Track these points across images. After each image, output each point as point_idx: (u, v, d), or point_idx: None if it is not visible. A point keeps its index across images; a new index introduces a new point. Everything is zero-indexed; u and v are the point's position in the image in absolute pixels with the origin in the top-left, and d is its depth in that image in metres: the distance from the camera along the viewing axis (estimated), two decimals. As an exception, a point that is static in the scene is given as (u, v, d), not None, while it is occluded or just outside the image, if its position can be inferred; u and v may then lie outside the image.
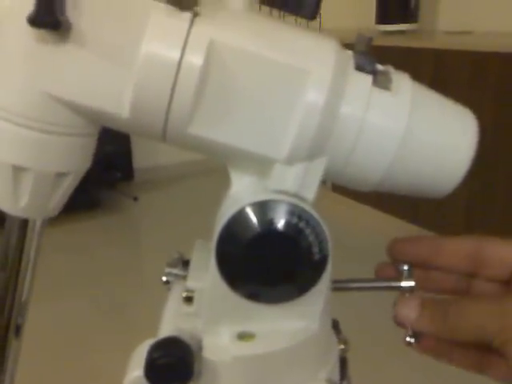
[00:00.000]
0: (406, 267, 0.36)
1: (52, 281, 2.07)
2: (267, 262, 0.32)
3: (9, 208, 0.33)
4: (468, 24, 2.24)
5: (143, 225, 2.76)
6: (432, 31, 2.37)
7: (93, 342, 1.68)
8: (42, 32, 0.28)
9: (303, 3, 0.32)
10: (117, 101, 0.30)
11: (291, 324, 0.35)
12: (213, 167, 3.26)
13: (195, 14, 0.29)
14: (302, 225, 0.32)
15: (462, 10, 2.30)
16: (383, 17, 2.35)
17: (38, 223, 0.35)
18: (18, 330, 0.38)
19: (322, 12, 0.33)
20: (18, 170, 0.31)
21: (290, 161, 0.31)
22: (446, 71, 1.90)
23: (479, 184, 1.83)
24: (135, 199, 2.75)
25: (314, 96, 0.30)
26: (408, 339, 0.34)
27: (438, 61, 1.95)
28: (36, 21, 0.27)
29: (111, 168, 2.52)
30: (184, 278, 0.38)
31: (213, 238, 0.34)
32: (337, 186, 0.35)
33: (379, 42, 2.10)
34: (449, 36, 2.23)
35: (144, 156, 2.93)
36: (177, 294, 0.39)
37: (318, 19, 0.33)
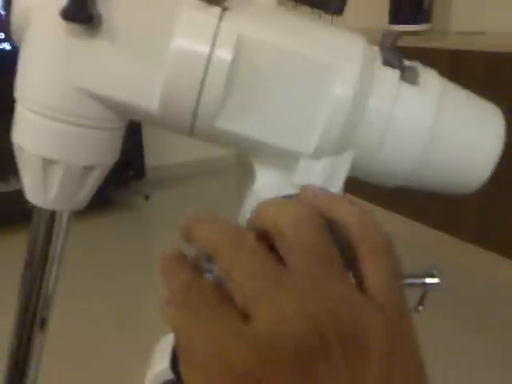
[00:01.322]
0: (435, 270, 0.36)
1: (64, 278, 2.08)
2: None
3: (37, 200, 0.34)
4: (481, 25, 2.22)
5: (154, 223, 2.77)
6: (445, 32, 2.35)
7: (105, 338, 1.69)
8: (74, 26, 0.28)
9: (330, 3, 0.32)
10: (146, 95, 0.30)
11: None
12: (224, 166, 3.27)
13: (224, 9, 0.29)
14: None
15: (475, 10, 2.29)
16: (396, 17, 2.34)
17: (65, 216, 0.36)
18: (43, 323, 0.38)
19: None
20: (47, 163, 0.32)
21: (317, 155, 0.32)
22: (459, 72, 1.89)
23: (492, 185, 1.81)
24: (147, 198, 2.76)
25: (342, 91, 0.30)
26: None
27: (451, 61, 1.94)
28: (69, 14, 0.27)
29: (123, 166, 2.53)
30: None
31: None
32: (346, 187, 0.34)
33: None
34: (462, 36, 2.21)
35: (156, 155, 2.94)
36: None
37: (330, 19, 0.33)
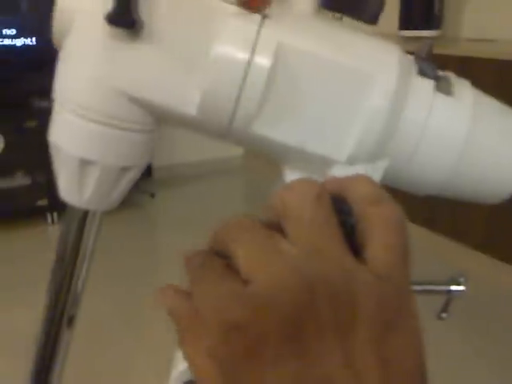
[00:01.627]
0: (461, 278, 0.36)
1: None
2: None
3: (72, 199, 0.34)
4: (491, 32, 2.23)
5: (160, 221, 2.78)
6: (455, 38, 2.36)
7: (112, 337, 1.70)
8: (117, 30, 0.29)
9: (366, 10, 0.32)
10: (185, 99, 0.31)
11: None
12: (231, 167, 3.27)
13: (264, 17, 0.30)
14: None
15: (486, 18, 2.29)
16: (407, 22, 2.35)
17: (98, 216, 0.36)
18: (71, 320, 0.39)
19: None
20: (84, 163, 0.32)
21: (351, 162, 0.32)
22: (469, 78, 1.89)
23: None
24: (152, 196, 2.77)
25: (379, 101, 0.30)
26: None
27: (461, 68, 1.94)
28: (113, 19, 0.28)
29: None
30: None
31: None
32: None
33: (402, 47, 2.08)
34: (472, 43, 2.22)
35: (162, 154, 2.95)
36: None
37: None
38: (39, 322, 0.40)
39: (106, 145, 0.32)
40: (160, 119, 0.33)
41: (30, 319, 2.02)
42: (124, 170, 0.34)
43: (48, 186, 2.48)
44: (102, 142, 0.32)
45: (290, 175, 0.36)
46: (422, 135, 0.31)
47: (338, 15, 0.33)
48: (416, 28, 2.31)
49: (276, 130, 0.32)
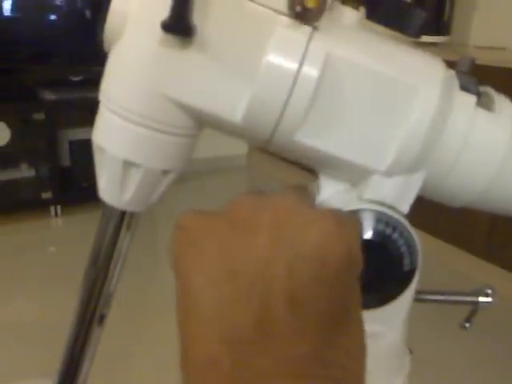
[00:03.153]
0: (489, 290, 0.37)
1: (76, 266, 2.10)
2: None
3: (112, 200, 0.35)
4: (500, 40, 2.24)
5: (163, 219, 2.79)
6: (464, 45, 2.37)
7: (114, 332, 1.70)
8: (168, 37, 0.29)
9: (410, 23, 0.33)
10: (231, 107, 0.31)
11: (371, 328, 0.36)
12: (234, 165, 3.28)
13: (314, 28, 0.30)
14: (395, 236, 0.33)
15: (494, 26, 2.30)
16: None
17: (135, 217, 0.37)
18: (102, 319, 0.40)
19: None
20: (128, 165, 0.33)
21: (390, 173, 0.33)
22: (477, 86, 1.90)
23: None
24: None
25: (422, 114, 0.31)
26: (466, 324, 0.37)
27: (469, 75, 1.95)
28: (170, 27, 0.28)
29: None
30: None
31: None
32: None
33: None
34: (481, 51, 2.23)
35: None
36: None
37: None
38: (71, 321, 0.40)
39: (150, 148, 0.32)
40: (202, 124, 0.34)
41: (32, 311, 2.03)
42: (165, 173, 0.34)
43: (52, 178, 2.49)
44: (146, 145, 0.32)
45: (325, 183, 0.36)
46: (461, 150, 0.32)
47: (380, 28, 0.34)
48: (424, 33, 2.31)
49: (319, 139, 0.32)
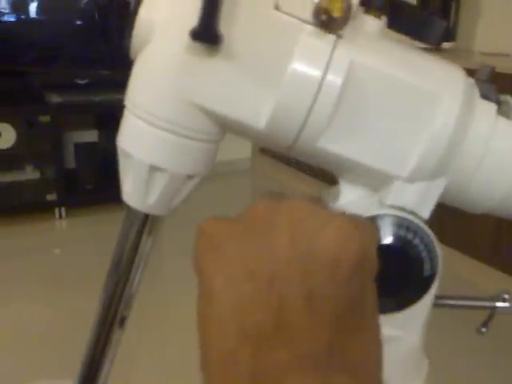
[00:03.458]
0: (506, 295, 0.37)
1: (81, 268, 2.11)
2: (378, 274, 0.34)
3: (136, 203, 0.35)
4: (505, 46, 2.24)
5: (167, 222, 2.80)
6: (469, 51, 2.37)
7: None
8: (196, 44, 0.30)
9: (431, 31, 0.33)
10: (255, 113, 0.32)
11: (390, 331, 0.36)
12: (239, 169, 3.29)
13: (338, 37, 0.31)
14: (416, 241, 0.33)
15: (499, 32, 2.31)
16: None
17: (157, 220, 0.37)
18: (123, 321, 0.40)
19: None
20: (153, 170, 0.33)
21: (412, 180, 0.33)
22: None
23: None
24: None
25: (444, 121, 0.31)
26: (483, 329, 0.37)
27: (474, 80, 1.96)
28: (198, 35, 0.29)
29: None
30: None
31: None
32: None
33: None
34: (485, 57, 2.23)
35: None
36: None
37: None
38: (91, 324, 0.40)
39: (176, 153, 0.33)
40: (226, 130, 0.34)
41: (36, 313, 2.03)
42: (189, 177, 0.35)
43: (57, 181, 2.50)
44: (172, 150, 0.33)
45: (345, 188, 0.37)
46: (483, 157, 0.32)
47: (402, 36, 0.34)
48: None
49: (342, 146, 0.33)
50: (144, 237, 0.38)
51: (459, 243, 2.07)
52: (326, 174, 0.30)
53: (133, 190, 0.35)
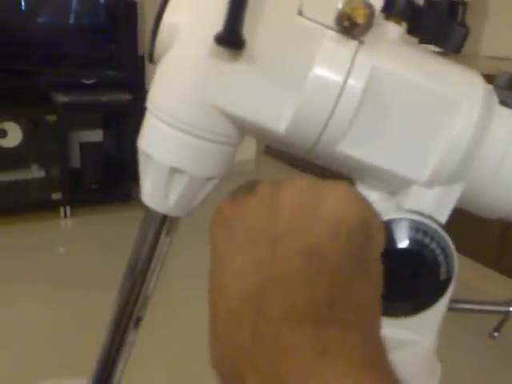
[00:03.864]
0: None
1: (85, 268, 2.11)
2: (395, 278, 0.34)
3: (155, 205, 0.36)
4: (511, 51, 2.24)
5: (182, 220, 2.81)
6: (475, 55, 2.37)
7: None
8: (220, 49, 0.30)
9: (452, 38, 0.34)
10: (276, 117, 0.32)
11: (406, 335, 0.37)
12: (243, 170, 3.29)
13: (360, 42, 0.31)
14: (433, 245, 0.34)
15: (505, 36, 2.31)
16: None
17: (175, 222, 0.38)
18: (138, 321, 0.40)
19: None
20: (174, 172, 0.34)
21: (430, 184, 0.33)
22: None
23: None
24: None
25: (463, 127, 0.32)
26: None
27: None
28: (223, 39, 0.29)
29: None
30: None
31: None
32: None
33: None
34: (492, 61, 2.23)
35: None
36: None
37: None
38: (108, 323, 0.41)
39: (197, 156, 0.33)
40: (246, 133, 0.35)
41: (41, 312, 2.04)
42: (208, 179, 0.35)
43: (62, 180, 2.51)
44: (193, 153, 0.33)
45: (364, 192, 0.37)
46: (501, 163, 0.33)
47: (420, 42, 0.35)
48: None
49: (361, 150, 0.33)
50: (162, 238, 0.38)
51: (463, 247, 2.07)
52: (331, 176, 0.31)
53: (152, 191, 0.35)
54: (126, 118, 2.55)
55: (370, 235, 0.27)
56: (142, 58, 2.62)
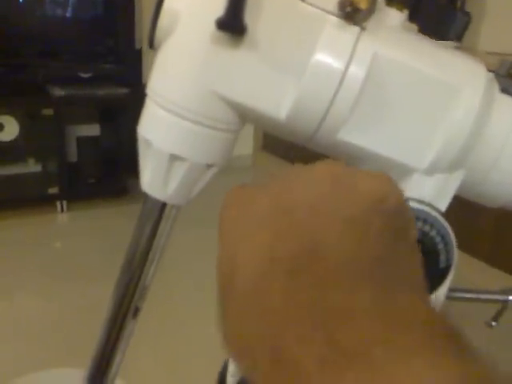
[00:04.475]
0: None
1: (81, 262, 2.11)
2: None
3: (155, 192, 0.36)
4: (509, 46, 2.25)
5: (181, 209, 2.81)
6: (473, 50, 2.37)
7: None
8: (221, 34, 0.30)
9: (452, 26, 0.34)
10: (277, 104, 0.32)
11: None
12: (240, 165, 3.28)
13: (362, 29, 0.31)
14: (433, 233, 0.34)
15: (504, 32, 2.31)
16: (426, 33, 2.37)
17: (174, 210, 0.38)
18: (136, 312, 0.40)
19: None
20: (174, 159, 0.34)
21: (430, 172, 0.33)
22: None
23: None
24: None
25: (464, 114, 0.32)
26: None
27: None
28: (224, 24, 0.29)
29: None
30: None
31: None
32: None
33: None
34: (490, 56, 2.24)
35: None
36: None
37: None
38: (105, 311, 0.41)
39: (196, 142, 0.33)
40: (246, 120, 0.34)
41: (37, 306, 2.03)
42: (208, 166, 0.35)
43: (59, 174, 2.50)
44: (193, 139, 0.33)
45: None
46: (501, 150, 0.33)
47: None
48: (435, 39, 2.32)
49: (362, 137, 0.33)
50: (161, 227, 0.38)
51: (458, 241, 2.07)
52: None
53: (152, 179, 0.35)
54: (124, 112, 2.54)
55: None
56: (140, 51, 2.61)
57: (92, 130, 2.68)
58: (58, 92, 2.44)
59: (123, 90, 2.53)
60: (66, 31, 2.57)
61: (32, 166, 2.59)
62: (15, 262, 2.10)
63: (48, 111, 2.38)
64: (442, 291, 0.36)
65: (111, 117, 2.70)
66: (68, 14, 2.58)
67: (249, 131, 3.04)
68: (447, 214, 0.34)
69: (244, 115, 0.34)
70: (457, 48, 0.34)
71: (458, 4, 2.26)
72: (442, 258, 0.34)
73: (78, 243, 2.31)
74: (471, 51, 2.36)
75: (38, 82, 2.45)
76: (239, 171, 3.48)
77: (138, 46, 2.65)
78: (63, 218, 2.53)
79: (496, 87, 0.33)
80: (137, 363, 1.60)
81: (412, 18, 0.34)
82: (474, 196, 0.36)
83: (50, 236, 2.38)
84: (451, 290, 0.40)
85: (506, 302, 0.39)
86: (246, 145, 3.31)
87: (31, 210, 2.45)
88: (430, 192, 0.34)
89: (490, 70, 0.35)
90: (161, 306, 1.83)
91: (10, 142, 2.38)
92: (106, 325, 0.41)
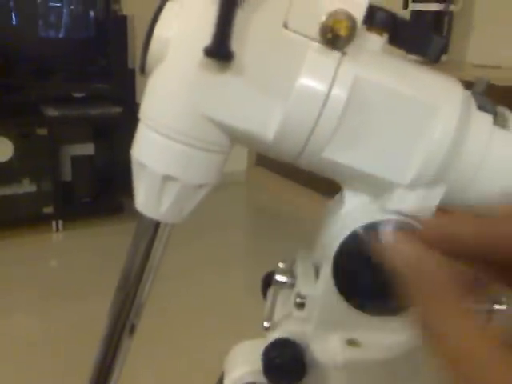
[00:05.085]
0: (504, 298, 0.39)
1: (77, 280, 2.11)
2: (382, 277, 0.35)
3: (148, 211, 0.37)
4: (496, 59, 2.29)
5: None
6: (461, 63, 2.41)
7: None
8: (208, 61, 0.32)
9: (430, 48, 0.35)
10: (264, 126, 0.33)
11: (395, 336, 0.38)
12: (234, 181, 3.30)
13: (343, 54, 0.33)
14: (418, 246, 0.35)
15: (490, 45, 2.35)
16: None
17: (168, 229, 0.39)
18: (132, 329, 0.41)
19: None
20: (166, 179, 0.35)
21: (412, 186, 0.35)
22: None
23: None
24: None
25: (443, 132, 0.33)
26: None
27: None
28: (212, 52, 0.31)
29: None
30: (291, 286, 0.41)
31: (324, 253, 0.38)
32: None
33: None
34: (478, 69, 2.27)
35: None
36: (282, 299, 0.42)
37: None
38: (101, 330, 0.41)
39: (188, 164, 0.35)
40: (236, 141, 0.36)
41: (32, 325, 2.02)
42: (200, 187, 0.36)
43: (54, 193, 2.50)
44: (185, 161, 0.34)
45: (349, 195, 0.38)
46: (480, 165, 0.34)
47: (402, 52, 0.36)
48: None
49: (346, 156, 0.34)
50: (155, 245, 0.39)
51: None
52: (322, 186, 0.31)
53: (146, 198, 0.36)
54: (117, 130, 2.55)
55: None
56: (133, 71, 2.64)
57: (86, 149, 2.69)
58: (52, 112, 2.45)
59: (117, 109, 2.55)
60: (59, 52, 2.59)
61: (27, 186, 2.60)
62: (11, 281, 2.10)
63: (42, 131, 2.40)
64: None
65: (105, 136, 2.72)
66: (61, 35, 2.61)
67: (242, 147, 3.06)
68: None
69: (233, 136, 0.35)
70: (446, 61, 0.35)
71: (446, 19, 2.31)
72: None
73: (73, 262, 2.30)
74: (459, 64, 2.40)
75: (31, 102, 2.47)
76: (233, 187, 3.50)
77: (130, 66, 2.68)
78: (58, 237, 2.53)
79: (473, 104, 0.35)
80: (134, 380, 1.59)
81: (391, 41, 0.35)
82: (458, 202, 0.37)
83: (46, 255, 2.38)
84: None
85: (493, 310, 0.40)
86: (240, 160, 3.33)
87: (27, 230, 2.45)
88: (414, 205, 0.35)
89: (471, 86, 0.36)
90: (156, 322, 1.83)
91: (5, 162, 2.39)
92: (102, 342, 0.41)
